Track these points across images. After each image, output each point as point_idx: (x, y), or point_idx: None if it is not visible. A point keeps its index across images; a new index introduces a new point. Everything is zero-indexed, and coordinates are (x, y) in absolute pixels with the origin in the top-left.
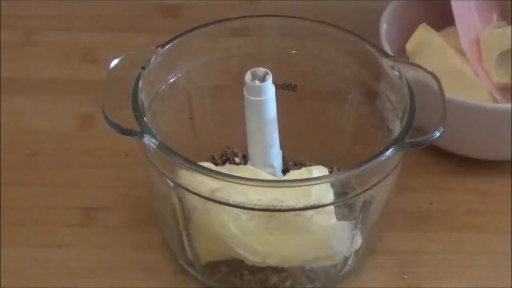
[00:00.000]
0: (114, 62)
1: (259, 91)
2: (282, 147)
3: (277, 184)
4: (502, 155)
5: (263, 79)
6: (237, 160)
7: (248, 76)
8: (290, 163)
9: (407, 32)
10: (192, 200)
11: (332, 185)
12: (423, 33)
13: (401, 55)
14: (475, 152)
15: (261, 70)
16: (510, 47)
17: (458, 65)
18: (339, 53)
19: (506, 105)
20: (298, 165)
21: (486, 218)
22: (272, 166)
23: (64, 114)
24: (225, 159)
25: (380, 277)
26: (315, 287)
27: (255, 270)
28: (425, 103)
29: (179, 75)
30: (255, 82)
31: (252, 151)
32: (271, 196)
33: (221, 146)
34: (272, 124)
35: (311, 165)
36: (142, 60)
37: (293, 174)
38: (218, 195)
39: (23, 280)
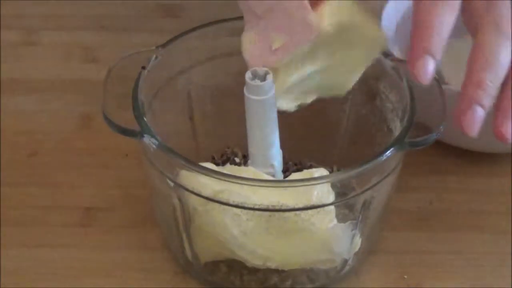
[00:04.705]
0: (114, 62)
1: (259, 90)
2: (282, 147)
3: (278, 184)
4: (503, 147)
5: (263, 78)
6: (237, 160)
7: (248, 75)
8: (290, 163)
9: (408, 31)
10: (192, 200)
11: (332, 185)
12: None
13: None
14: (476, 145)
15: (261, 69)
16: None
17: None
18: None
19: None
20: (298, 165)
21: (486, 218)
22: (272, 166)
23: (64, 114)
24: (225, 159)
25: (380, 277)
26: (315, 287)
27: (255, 270)
28: (425, 102)
29: (179, 75)
30: (255, 81)
31: (253, 150)
32: (273, 199)
33: (221, 146)
34: (272, 123)
35: (310, 165)
36: (142, 60)
37: (295, 176)
38: (219, 196)
39: (23, 280)
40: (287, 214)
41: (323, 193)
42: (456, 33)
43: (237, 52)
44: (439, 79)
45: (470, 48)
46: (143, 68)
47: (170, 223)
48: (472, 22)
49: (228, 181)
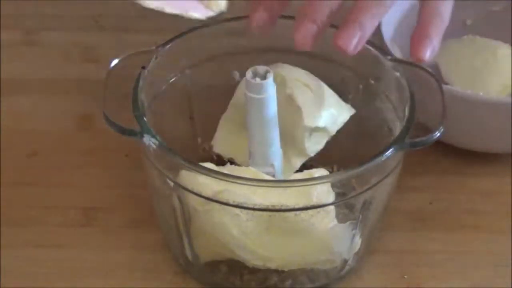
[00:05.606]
0: (114, 62)
1: (260, 89)
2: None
3: (278, 184)
4: (503, 147)
5: (264, 77)
6: None
7: (249, 74)
8: None
9: (408, 31)
10: (192, 200)
11: (332, 185)
12: None
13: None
14: (476, 145)
15: (262, 68)
16: None
17: None
18: (339, 53)
19: (506, 98)
20: None
21: (486, 218)
22: (272, 166)
23: (64, 114)
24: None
25: (380, 277)
26: (315, 287)
27: (255, 270)
28: (425, 102)
29: (179, 75)
30: (256, 80)
31: (253, 149)
32: (273, 199)
33: None
34: (272, 122)
35: (311, 165)
36: (142, 60)
37: (295, 176)
38: (219, 197)
39: (23, 280)
40: (287, 214)
41: (323, 193)
42: (455, 33)
43: (237, 52)
44: (439, 79)
45: (469, 49)
46: (143, 68)
47: (170, 223)
48: None
49: (228, 181)
